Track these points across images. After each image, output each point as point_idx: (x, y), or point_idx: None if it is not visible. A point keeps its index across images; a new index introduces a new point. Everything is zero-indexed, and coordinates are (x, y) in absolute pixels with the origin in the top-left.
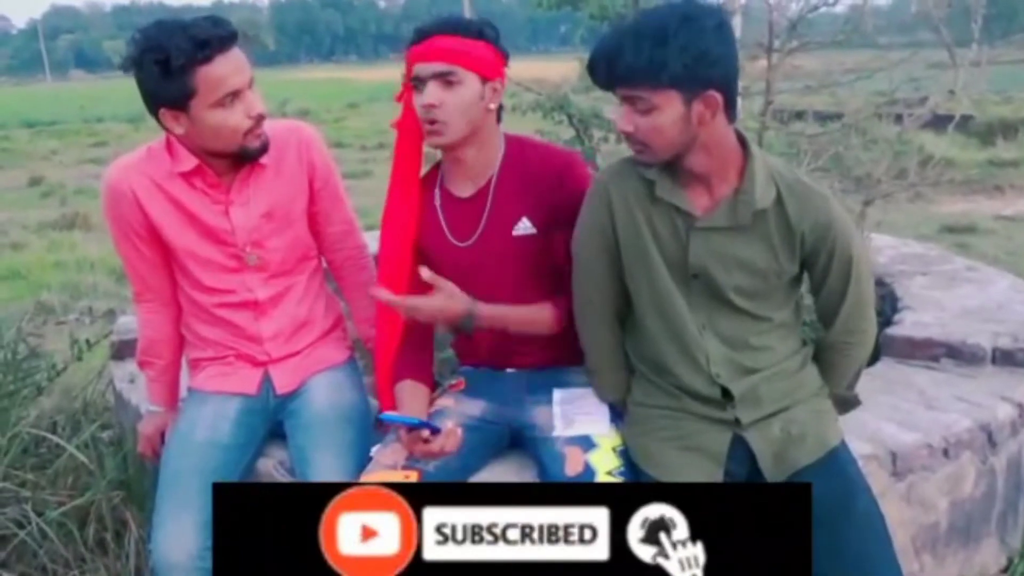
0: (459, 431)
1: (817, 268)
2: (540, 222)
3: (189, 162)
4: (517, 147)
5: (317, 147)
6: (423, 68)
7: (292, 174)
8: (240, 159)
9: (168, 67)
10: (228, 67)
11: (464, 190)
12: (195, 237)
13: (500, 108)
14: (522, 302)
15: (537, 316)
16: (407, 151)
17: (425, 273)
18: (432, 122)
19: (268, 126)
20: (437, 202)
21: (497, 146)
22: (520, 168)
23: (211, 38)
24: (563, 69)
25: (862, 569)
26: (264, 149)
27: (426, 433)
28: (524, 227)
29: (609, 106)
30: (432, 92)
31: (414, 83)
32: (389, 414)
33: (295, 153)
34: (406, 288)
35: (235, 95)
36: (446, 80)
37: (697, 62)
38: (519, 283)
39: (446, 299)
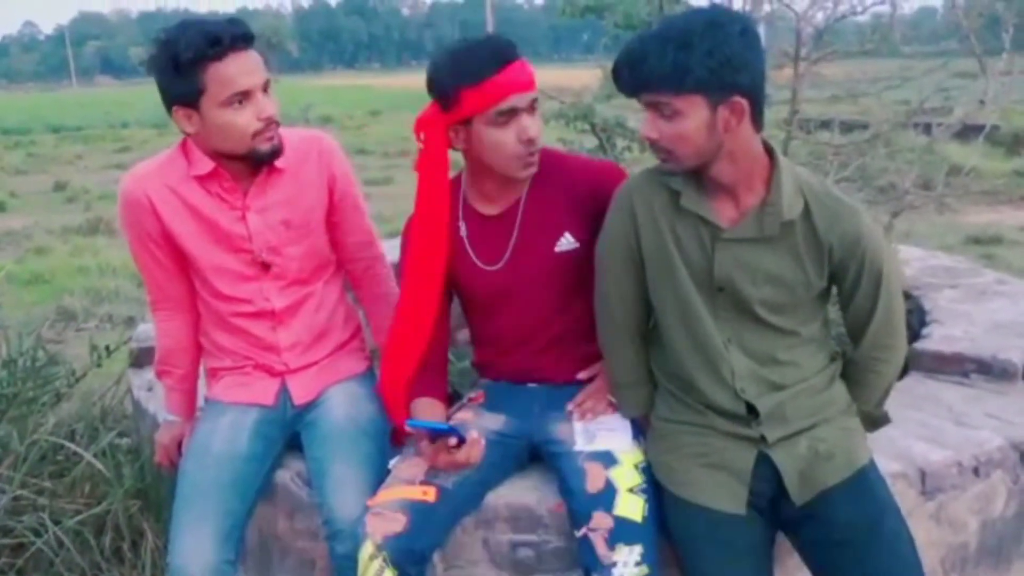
0: (482, 441)
1: (846, 282)
2: (583, 235)
3: (205, 165)
4: (552, 162)
5: (337, 157)
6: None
7: (311, 183)
8: (252, 162)
9: (179, 62)
10: (240, 66)
11: (489, 208)
12: (211, 244)
13: None
14: (564, 316)
15: None
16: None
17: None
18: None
19: (288, 134)
20: (460, 222)
21: None
22: (556, 183)
23: (224, 36)
24: (585, 77)
25: None
26: (276, 153)
27: (453, 441)
28: (567, 242)
29: (633, 115)
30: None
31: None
32: (416, 420)
33: (315, 162)
34: (434, 313)
35: (245, 95)
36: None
37: (722, 67)
38: (561, 299)
39: None
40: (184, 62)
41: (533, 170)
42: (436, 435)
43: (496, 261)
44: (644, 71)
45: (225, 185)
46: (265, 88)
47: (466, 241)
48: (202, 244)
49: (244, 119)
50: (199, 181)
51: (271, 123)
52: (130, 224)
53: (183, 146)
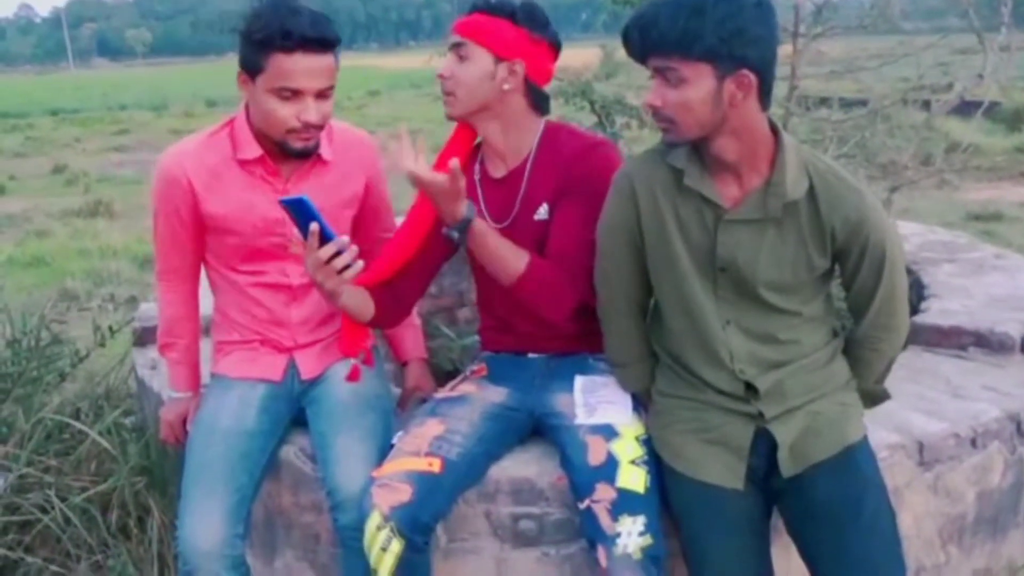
0: (354, 248)
1: (849, 263)
2: (553, 205)
3: (253, 150)
4: (553, 133)
5: (377, 161)
6: (450, 39)
7: (349, 180)
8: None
9: (251, 36)
10: (302, 67)
11: (497, 171)
12: (248, 225)
13: (542, 96)
14: None
15: (514, 259)
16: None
17: (453, 162)
18: (445, 92)
19: (336, 127)
20: (477, 177)
21: (531, 131)
22: (551, 154)
23: (295, 33)
24: (585, 56)
25: (864, 571)
26: (306, 154)
27: (330, 250)
28: (543, 212)
29: (631, 92)
30: (446, 63)
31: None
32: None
33: (356, 162)
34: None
35: (295, 93)
36: (459, 53)
37: (733, 37)
38: None
39: (457, 191)
40: (254, 40)
41: None
42: (303, 219)
43: (503, 220)
44: (654, 34)
45: (269, 169)
46: (322, 95)
47: (480, 197)
48: (235, 225)
49: (284, 113)
50: (242, 164)
51: (309, 128)
52: (162, 198)
53: (230, 127)
